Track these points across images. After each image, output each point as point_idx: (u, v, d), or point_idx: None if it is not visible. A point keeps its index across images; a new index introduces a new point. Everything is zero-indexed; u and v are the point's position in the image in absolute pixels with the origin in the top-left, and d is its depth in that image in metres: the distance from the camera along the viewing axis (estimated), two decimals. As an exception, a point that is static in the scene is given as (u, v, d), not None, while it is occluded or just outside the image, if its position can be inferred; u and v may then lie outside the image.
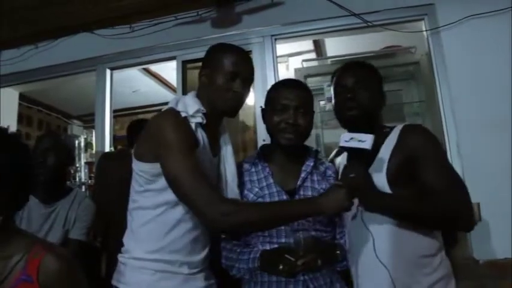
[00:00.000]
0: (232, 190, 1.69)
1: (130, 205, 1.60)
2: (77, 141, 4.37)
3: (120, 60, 3.36)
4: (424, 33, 2.84)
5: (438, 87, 2.72)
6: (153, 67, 4.26)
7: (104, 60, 3.35)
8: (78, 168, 4.30)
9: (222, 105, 1.63)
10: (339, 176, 1.68)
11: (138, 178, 1.55)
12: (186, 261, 1.54)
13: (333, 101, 1.82)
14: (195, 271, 1.56)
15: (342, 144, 1.58)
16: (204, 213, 1.41)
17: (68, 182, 3.42)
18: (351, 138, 1.55)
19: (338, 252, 1.72)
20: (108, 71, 3.38)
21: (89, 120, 5.19)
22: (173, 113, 1.54)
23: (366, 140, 1.52)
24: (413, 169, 1.55)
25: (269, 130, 1.82)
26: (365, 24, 2.87)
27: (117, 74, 3.50)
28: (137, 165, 1.55)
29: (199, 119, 1.56)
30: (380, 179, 1.57)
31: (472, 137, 2.57)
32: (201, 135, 1.57)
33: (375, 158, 1.62)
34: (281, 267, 1.61)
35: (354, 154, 1.59)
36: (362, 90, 1.70)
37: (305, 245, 1.62)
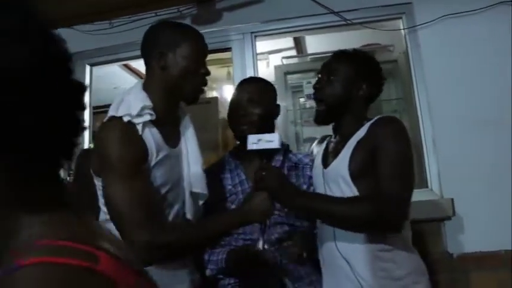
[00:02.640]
0: (195, 176, 1.59)
1: (102, 216, 1.51)
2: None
3: (100, 56, 3.33)
4: (402, 31, 2.88)
5: (415, 85, 2.76)
6: (134, 63, 4.23)
7: (83, 56, 3.30)
8: (57, 165, 4.25)
9: (189, 91, 1.55)
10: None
11: (100, 192, 1.48)
12: None
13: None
14: (180, 266, 1.53)
15: (250, 147, 1.58)
16: (127, 242, 1.29)
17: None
18: (259, 140, 1.57)
19: (304, 255, 1.74)
20: (87, 67, 3.35)
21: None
22: (114, 124, 1.42)
23: (273, 140, 1.54)
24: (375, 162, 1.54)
25: (231, 129, 1.85)
26: (344, 22, 2.90)
27: (98, 70, 3.46)
28: (96, 180, 1.48)
29: (146, 117, 1.44)
30: (341, 172, 1.56)
31: (447, 133, 2.62)
32: (150, 134, 1.45)
33: (341, 151, 1.62)
34: (241, 267, 1.64)
35: (266, 155, 1.60)
36: (327, 81, 1.69)
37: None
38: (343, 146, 1.62)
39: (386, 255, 1.52)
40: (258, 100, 1.79)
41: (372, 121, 1.62)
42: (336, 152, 1.64)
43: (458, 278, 2.43)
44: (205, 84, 1.60)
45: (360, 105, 1.71)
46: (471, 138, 2.58)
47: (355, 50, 1.78)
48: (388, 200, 1.45)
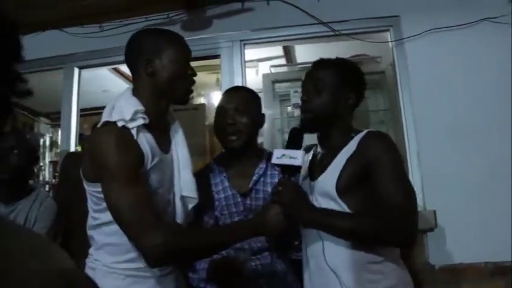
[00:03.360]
0: (186, 180, 1.60)
1: (92, 222, 1.50)
2: (42, 140, 4.31)
3: (89, 60, 3.32)
4: (390, 43, 2.92)
5: (401, 96, 2.81)
6: (124, 67, 4.23)
7: (72, 58, 3.31)
8: (42, 167, 4.24)
9: (180, 93, 1.57)
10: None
11: (92, 197, 1.47)
12: None
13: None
14: (166, 273, 1.52)
15: (274, 161, 1.59)
16: (138, 247, 1.34)
17: (31, 181, 3.37)
18: (283, 155, 1.57)
19: (296, 243, 1.76)
20: (76, 70, 3.34)
21: (57, 118, 5.11)
22: (109, 129, 1.42)
23: (296, 157, 1.55)
24: (367, 176, 1.51)
25: (217, 137, 1.87)
26: (333, 33, 2.93)
27: (87, 73, 3.46)
28: (87, 186, 1.47)
29: (140, 121, 1.44)
30: (328, 186, 1.56)
31: (431, 145, 2.66)
32: (145, 139, 1.46)
33: (329, 165, 1.60)
34: (222, 278, 1.65)
35: (287, 170, 1.59)
36: (315, 93, 1.66)
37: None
38: (331, 159, 1.60)
39: (375, 267, 1.51)
40: (244, 109, 1.81)
41: (361, 135, 1.60)
42: (324, 165, 1.63)
43: (440, 289, 2.46)
44: (194, 83, 1.61)
45: (347, 115, 1.70)
46: (454, 150, 2.62)
47: (337, 58, 1.76)
48: (400, 215, 1.44)
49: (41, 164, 4.20)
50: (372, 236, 1.47)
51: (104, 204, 1.41)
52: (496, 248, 2.45)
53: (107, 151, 1.37)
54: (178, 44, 1.57)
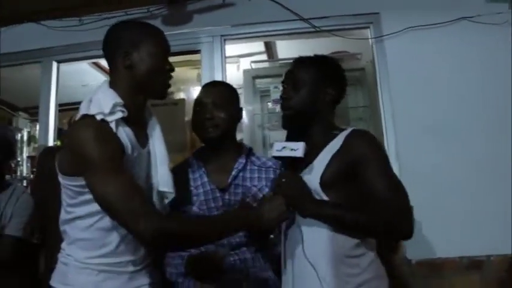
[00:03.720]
0: (163, 175, 1.58)
1: (65, 216, 1.48)
2: (20, 134, 4.24)
3: (68, 53, 3.27)
4: (370, 40, 2.95)
5: (380, 93, 2.84)
6: (104, 62, 4.18)
7: (50, 52, 3.26)
8: (20, 162, 4.17)
9: (158, 87, 1.55)
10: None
11: (67, 191, 1.44)
12: (131, 260, 1.47)
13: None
14: (140, 267, 1.51)
15: (275, 154, 1.61)
16: (134, 233, 1.32)
17: (8, 177, 3.32)
18: (283, 147, 1.58)
19: (272, 236, 1.77)
20: (54, 64, 3.29)
21: (36, 113, 5.03)
22: (88, 122, 1.39)
23: (297, 148, 1.55)
24: (353, 174, 1.53)
25: (195, 131, 1.87)
26: (314, 29, 2.94)
27: (66, 67, 3.41)
28: (63, 179, 1.44)
29: (119, 114, 1.42)
30: (312, 182, 1.56)
31: (410, 143, 2.70)
32: (124, 132, 1.44)
33: (313, 161, 1.61)
34: (198, 273, 1.66)
35: (288, 162, 1.61)
36: (298, 93, 1.67)
37: None
38: (315, 156, 1.61)
39: (353, 261, 1.53)
40: (222, 104, 1.81)
41: (346, 133, 1.61)
42: (308, 161, 1.62)
43: (416, 283, 2.51)
44: (171, 78, 1.59)
45: (327, 110, 1.71)
46: (432, 147, 2.67)
47: (316, 55, 1.77)
48: (401, 210, 1.47)
49: (19, 159, 4.14)
50: (377, 230, 1.51)
51: (80, 198, 1.40)
52: (471, 243, 2.51)
53: (87, 143, 1.34)
54: (157, 38, 1.56)
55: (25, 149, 4.33)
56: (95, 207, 1.39)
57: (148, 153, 1.59)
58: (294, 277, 1.61)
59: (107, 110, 1.39)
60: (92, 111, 1.40)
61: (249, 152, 1.91)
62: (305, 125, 1.68)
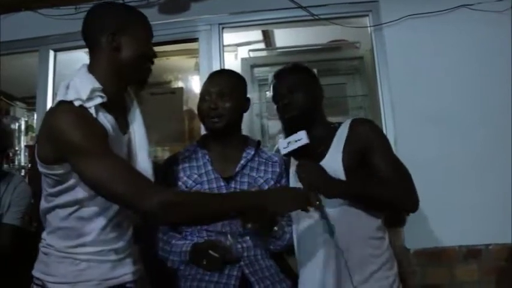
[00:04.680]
0: (142, 161, 1.54)
1: (45, 205, 1.45)
2: (17, 124, 4.23)
3: (65, 42, 3.22)
4: (368, 29, 2.93)
5: (379, 82, 2.82)
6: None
7: (47, 41, 3.22)
8: (18, 152, 4.16)
9: (141, 73, 1.51)
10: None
11: (47, 179, 1.41)
12: (113, 248, 1.44)
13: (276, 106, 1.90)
14: (123, 256, 1.47)
15: (284, 152, 1.71)
16: (140, 209, 1.29)
17: (6, 166, 3.31)
18: (288, 143, 1.69)
19: (276, 228, 1.76)
20: (51, 53, 3.27)
21: (33, 102, 5.00)
22: (66, 108, 1.33)
23: (301, 137, 1.65)
24: (363, 160, 1.70)
25: (201, 120, 1.87)
26: (312, 17, 2.92)
27: (63, 56, 3.36)
28: (43, 168, 1.39)
29: (98, 100, 1.36)
30: (337, 169, 1.67)
31: (409, 131, 2.69)
32: (104, 118, 1.40)
33: (328, 151, 1.74)
34: (204, 262, 1.65)
35: (299, 154, 1.69)
36: (297, 95, 1.78)
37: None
38: (326, 147, 1.75)
39: (375, 243, 1.71)
40: (229, 94, 1.81)
41: (348, 122, 1.78)
42: (320, 151, 1.75)
43: (415, 272, 2.53)
44: (153, 64, 1.55)
45: (321, 107, 1.88)
46: (431, 136, 2.66)
47: (293, 64, 1.94)
48: (407, 185, 1.71)
49: (17, 148, 4.13)
50: (394, 200, 1.69)
51: (59, 187, 1.38)
52: (469, 232, 2.52)
53: (69, 129, 1.29)
54: (144, 23, 1.53)
55: (23, 138, 4.29)
56: (75, 196, 1.38)
57: (129, 139, 1.55)
58: (324, 266, 1.68)
59: (84, 96, 1.34)
60: (69, 97, 1.34)
61: (259, 145, 1.93)
62: (308, 124, 1.77)
